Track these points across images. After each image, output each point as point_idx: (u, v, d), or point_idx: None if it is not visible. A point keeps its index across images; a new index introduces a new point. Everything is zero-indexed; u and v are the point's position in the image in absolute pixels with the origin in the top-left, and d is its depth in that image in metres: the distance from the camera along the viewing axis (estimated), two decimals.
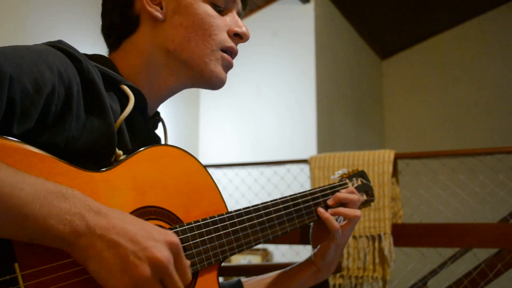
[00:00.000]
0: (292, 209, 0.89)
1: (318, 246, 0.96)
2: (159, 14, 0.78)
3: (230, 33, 0.82)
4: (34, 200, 0.52)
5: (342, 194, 0.96)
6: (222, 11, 0.82)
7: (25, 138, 0.59)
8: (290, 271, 0.97)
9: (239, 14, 0.86)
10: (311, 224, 0.97)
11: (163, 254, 0.58)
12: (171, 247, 0.60)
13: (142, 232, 0.58)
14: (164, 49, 0.79)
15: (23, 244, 0.55)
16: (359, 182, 1.06)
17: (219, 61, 0.81)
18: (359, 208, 1.05)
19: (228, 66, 0.84)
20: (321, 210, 0.93)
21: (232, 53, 0.84)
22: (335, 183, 1.02)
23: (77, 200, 0.56)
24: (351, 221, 0.93)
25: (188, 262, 0.63)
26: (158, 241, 0.59)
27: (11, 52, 0.59)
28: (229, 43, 0.82)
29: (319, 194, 0.95)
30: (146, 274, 0.56)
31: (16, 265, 0.54)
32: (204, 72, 0.80)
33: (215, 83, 0.83)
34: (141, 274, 0.56)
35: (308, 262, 0.97)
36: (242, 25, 0.84)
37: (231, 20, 0.83)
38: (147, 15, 0.79)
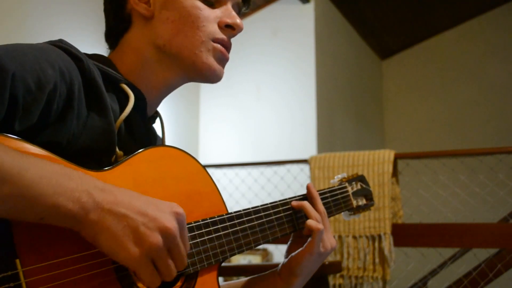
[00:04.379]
0: (292, 211, 0.90)
1: (289, 256, 0.89)
2: (146, 12, 0.79)
3: (221, 25, 0.81)
4: (42, 180, 0.53)
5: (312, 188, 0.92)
6: (214, 4, 0.81)
7: (27, 135, 0.60)
8: (253, 279, 0.92)
9: (239, 7, 0.85)
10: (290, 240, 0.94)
11: (172, 223, 0.59)
12: (178, 217, 0.61)
13: (149, 205, 0.60)
14: (155, 45, 0.79)
15: (24, 240, 0.55)
16: (359, 187, 1.07)
17: (211, 52, 0.80)
18: (359, 212, 1.05)
19: (221, 58, 0.82)
20: (293, 203, 0.89)
21: (224, 45, 0.81)
22: (334, 186, 1.02)
23: (82, 179, 0.57)
24: (315, 232, 0.85)
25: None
26: (165, 212, 0.60)
27: (14, 49, 0.59)
28: (220, 34, 0.80)
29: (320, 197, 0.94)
30: (157, 243, 0.57)
31: (17, 261, 0.54)
32: (196, 64, 0.79)
33: (209, 76, 0.81)
34: (152, 243, 0.57)
35: (273, 273, 0.91)
36: (234, 16, 0.81)
37: (223, 12, 0.82)
38: (137, 13, 0.80)
